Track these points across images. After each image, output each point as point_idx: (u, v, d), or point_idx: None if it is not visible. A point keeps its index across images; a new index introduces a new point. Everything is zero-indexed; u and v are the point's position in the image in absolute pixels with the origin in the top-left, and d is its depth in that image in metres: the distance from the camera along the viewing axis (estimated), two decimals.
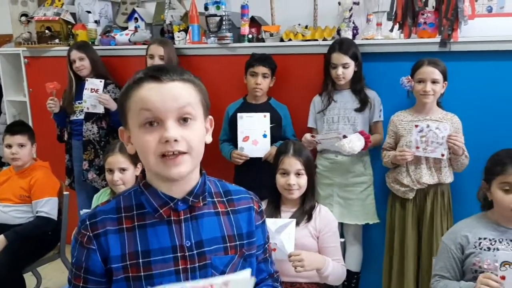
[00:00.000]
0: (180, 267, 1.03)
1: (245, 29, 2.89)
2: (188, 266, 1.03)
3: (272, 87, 2.73)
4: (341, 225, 2.64)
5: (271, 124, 2.60)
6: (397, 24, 2.57)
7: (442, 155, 2.24)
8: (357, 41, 2.59)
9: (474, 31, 2.44)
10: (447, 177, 2.34)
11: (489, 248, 1.61)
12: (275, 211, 1.96)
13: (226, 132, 2.81)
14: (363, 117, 2.55)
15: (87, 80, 3.02)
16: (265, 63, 2.64)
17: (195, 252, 1.04)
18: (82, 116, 3.10)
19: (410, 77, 2.35)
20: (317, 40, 2.73)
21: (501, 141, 2.06)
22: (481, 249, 1.62)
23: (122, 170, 2.17)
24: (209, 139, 1.09)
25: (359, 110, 2.53)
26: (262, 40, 2.91)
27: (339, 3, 2.74)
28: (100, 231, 1.03)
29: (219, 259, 1.06)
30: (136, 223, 1.04)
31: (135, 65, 3.00)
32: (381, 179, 2.57)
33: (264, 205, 1.58)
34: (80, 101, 3.08)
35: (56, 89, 3.09)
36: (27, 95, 3.72)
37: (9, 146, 2.67)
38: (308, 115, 2.69)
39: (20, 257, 2.55)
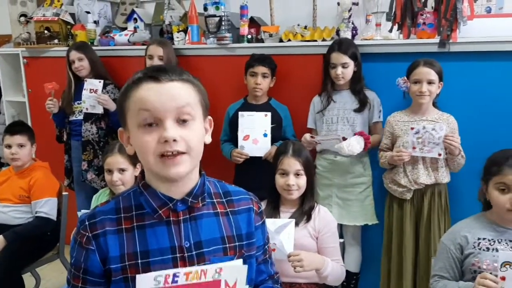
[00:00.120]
0: (179, 267, 1.02)
1: (244, 29, 2.89)
2: (187, 267, 1.03)
3: (272, 87, 2.73)
4: (340, 226, 2.64)
5: (271, 124, 2.60)
6: (396, 24, 2.58)
7: (439, 154, 2.25)
8: (356, 42, 2.59)
9: (473, 32, 2.44)
10: (444, 177, 2.35)
11: (488, 249, 1.61)
12: (274, 212, 1.96)
13: (227, 133, 2.81)
14: (362, 117, 2.55)
15: (86, 80, 3.02)
16: (265, 63, 2.64)
17: (194, 253, 1.04)
18: (81, 117, 3.10)
19: (406, 78, 2.36)
20: (316, 40, 2.73)
21: (500, 141, 2.06)
22: (480, 249, 1.62)
23: (121, 170, 2.17)
24: (208, 139, 1.09)
25: (358, 110, 2.53)
26: (261, 41, 2.92)
27: (338, 4, 2.75)
28: (99, 231, 1.02)
29: (218, 260, 1.05)
30: (135, 224, 1.04)
31: (134, 66, 3.00)
32: (380, 180, 2.57)
33: (263, 205, 1.58)
34: (79, 102, 3.08)
35: (54, 89, 3.09)
36: (26, 95, 3.72)
37: (9, 146, 2.67)
38: (308, 115, 2.69)
39: (19, 258, 2.54)
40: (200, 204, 1.07)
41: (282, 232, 1.75)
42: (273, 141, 2.61)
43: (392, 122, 2.44)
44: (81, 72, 3.09)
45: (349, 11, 2.71)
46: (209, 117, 1.09)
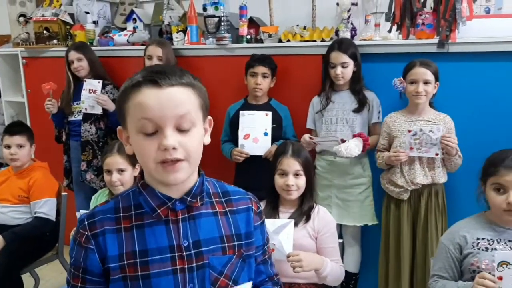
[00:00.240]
0: (178, 267, 1.03)
1: (244, 29, 2.89)
2: (186, 266, 1.03)
3: (271, 87, 2.73)
4: (340, 226, 2.64)
5: (272, 124, 2.60)
6: (395, 25, 2.58)
7: (436, 154, 2.26)
8: (355, 42, 2.59)
9: (472, 32, 2.45)
10: (441, 177, 2.35)
11: (487, 248, 1.61)
12: (273, 212, 1.96)
13: (227, 133, 2.82)
14: (361, 118, 2.55)
15: (85, 81, 3.02)
16: (265, 63, 2.65)
17: (192, 252, 1.04)
18: (80, 117, 3.10)
19: (402, 79, 2.36)
20: (315, 41, 2.73)
21: (499, 142, 2.07)
22: (479, 249, 1.62)
23: (121, 171, 2.16)
24: (207, 140, 1.09)
25: (357, 111, 2.53)
26: (261, 41, 2.92)
27: (338, 4, 2.75)
28: (98, 230, 1.03)
29: (217, 259, 1.06)
30: (134, 223, 1.04)
31: (133, 66, 3.01)
32: (380, 181, 2.57)
33: (262, 205, 1.58)
34: (78, 102, 3.08)
35: (52, 89, 3.09)
36: (25, 95, 3.72)
37: (8, 146, 2.67)
38: (307, 116, 2.69)
39: (18, 258, 2.54)
40: (199, 204, 1.07)
41: (281, 232, 1.75)
42: (273, 141, 2.61)
43: (389, 122, 2.45)
44: (80, 73, 3.09)
45: (348, 11, 2.71)
46: (209, 117, 1.09)
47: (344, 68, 2.49)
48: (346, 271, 2.01)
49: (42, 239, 2.67)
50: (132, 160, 2.15)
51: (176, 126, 0.97)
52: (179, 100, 0.97)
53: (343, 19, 2.70)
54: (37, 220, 2.62)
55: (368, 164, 2.62)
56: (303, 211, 1.94)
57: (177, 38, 3.10)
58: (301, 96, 2.76)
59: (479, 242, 1.64)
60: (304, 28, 2.84)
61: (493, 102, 2.42)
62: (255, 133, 2.61)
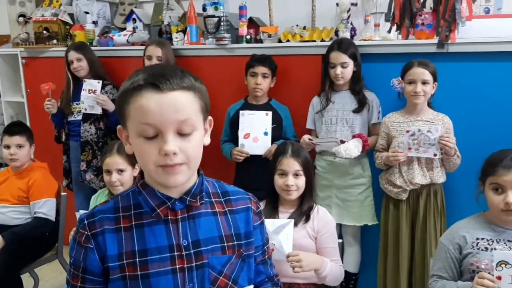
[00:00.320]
0: (177, 266, 1.03)
1: (243, 30, 2.89)
2: (185, 265, 1.03)
3: (271, 88, 2.73)
4: (340, 226, 2.64)
5: (272, 124, 2.60)
6: (395, 25, 2.58)
7: (435, 154, 2.26)
8: (355, 42, 2.59)
9: (472, 32, 2.45)
10: (439, 177, 2.36)
11: (486, 248, 1.62)
12: (273, 212, 1.96)
13: (227, 133, 2.82)
14: (361, 118, 2.55)
15: (84, 81, 3.02)
16: (265, 63, 2.65)
17: (192, 251, 1.04)
18: (79, 117, 3.10)
19: (400, 79, 2.36)
20: (315, 41, 2.73)
21: (498, 142, 2.07)
22: (478, 249, 1.62)
23: (120, 171, 2.16)
24: (207, 140, 1.08)
25: (357, 111, 2.53)
26: (260, 41, 2.92)
27: (337, 4, 2.75)
28: (98, 230, 1.03)
29: (216, 258, 1.06)
30: (133, 223, 1.04)
31: (133, 66, 3.00)
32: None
33: (262, 205, 1.58)
34: (77, 102, 3.08)
35: (51, 90, 3.09)
36: (25, 95, 3.72)
37: (8, 146, 2.67)
38: (307, 116, 2.69)
39: (17, 258, 2.54)
40: (198, 203, 1.07)
41: (281, 233, 1.75)
42: (273, 142, 2.61)
43: (387, 123, 2.45)
44: (79, 73, 3.09)
45: (348, 11, 2.71)
46: (210, 117, 1.09)
47: (344, 68, 2.49)
48: (345, 271, 2.01)
49: (41, 239, 2.67)
50: (132, 160, 2.15)
51: (177, 130, 0.97)
52: (180, 105, 0.97)
53: (342, 19, 2.70)
54: (37, 220, 2.62)
55: (368, 165, 2.62)
56: (302, 211, 1.93)
57: (176, 38, 3.10)
58: (301, 96, 2.76)
59: (478, 242, 1.64)
60: (304, 28, 2.84)
61: (493, 102, 2.42)
62: (255, 132, 2.61)
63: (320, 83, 2.69)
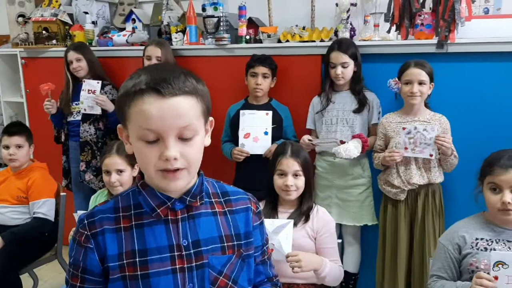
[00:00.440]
0: (177, 266, 1.03)
1: (243, 30, 2.89)
2: (185, 265, 1.03)
3: (271, 88, 2.73)
4: (340, 226, 2.64)
5: (272, 125, 2.60)
6: (394, 25, 2.58)
7: (431, 155, 2.26)
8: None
9: (471, 33, 2.45)
10: (437, 177, 2.36)
11: (486, 249, 1.62)
12: (272, 212, 1.96)
13: (228, 134, 2.82)
14: (361, 119, 2.55)
15: (84, 81, 3.02)
16: (265, 63, 2.65)
17: (192, 251, 1.04)
18: (79, 117, 3.10)
19: (397, 79, 2.37)
20: (314, 41, 2.73)
21: (498, 142, 2.06)
22: (478, 249, 1.63)
23: (119, 171, 2.16)
24: (208, 141, 1.08)
25: (357, 111, 2.54)
26: (260, 41, 2.92)
27: (337, 4, 2.75)
28: (98, 230, 1.03)
29: (216, 258, 1.06)
30: (133, 223, 1.04)
31: (132, 66, 3.00)
32: None
33: (261, 205, 1.58)
34: (77, 102, 3.08)
35: (51, 90, 3.09)
36: (24, 96, 3.72)
37: (7, 147, 2.66)
38: (307, 116, 2.70)
39: (16, 258, 2.54)
40: (198, 203, 1.07)
41: (281, 233, 1.75)
42: (273, 142, 2.61)
43: (385, 123, 2.45)
44: (79, 73, 3.09)
45: (347, 11, 2.71)
46: (211, 118, 1.08)
47: (344, 68, 2.49)
48: (345, 271, 2.01)
49: (40, 240, 2.67)
50: (131, 160, 2.15)
51: (178, 135, 0.97)
52: (182, 111, 0.96)
53: (342, 19, 2.70)
54: (36, 220, 2.62)
55: (368, 165, 2.62)
56: (302, 211, 1.93)
57: (176, 38, 3.10)
58: (300, 96, 2.76)
59: (478, 242, 1.64)
60: (303, 28, 2.84)
61: (493, 103, 2.42)
62: (256, 132, 2.61)
63: (320, 84, 2.70)
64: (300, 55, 2.77)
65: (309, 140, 2.52)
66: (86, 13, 3.48)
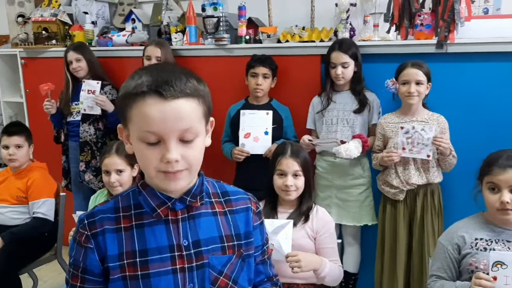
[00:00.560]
0: (178, 266, 1.03)
1: (243, 30, 2.89)
2: (186, 265, 1.03)
3: (271, 88, 2.73)
4: (340, 226, 2.64)
5: (272, 125, 2.60)
6: (394, 25, 2.58)
7: (428, 156, 2.27)
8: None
9: (471, 33, 2.45)
10: (436, 177, 2.36)
11: (485, 249, 1.62)
12: (272, 212, 1.96)
13: (228, 134, 2.82)
14: (362, 119, 2.56)
15: (84, 81, 3.02)
16: (265, 63, 2.65)
17: (192, 251, 1.04)
18: (79, 118, 3.10)
19: (394, 80, 2.37)
20: (314, 41, 2.73)
21: (497, 142, 2.07)
22: (477, 249, 1.63)
23: (119, 172, 2.16)
24: (208, 141, 1.08)
25: (357, 111, 2.54)
26: (259, 41, 2.92)
27: (336, 5, 2.75)
28: (98, 230, 1.03)
29: (217, 258, 1.06)
30: (134, 223, 1.04)
31: (132, 66, 2.99)
32: None
33: (261, 205, 1.58)
34: (76, 102, 3.08)
35: (50, 90, 3.08)
36: (24, 96, 3.72)
37: (6, 147, 2.66)
38: (307, 116, 2.70)
39: (16, 258, 2.54)
40: (199, 203, 1.07)
41: (280, 233, 1.75)
42: (273, 142, 2.61)
43: (383, 124, 2.46)
44: (78, 73, 3.09)
45: (347, 12, 2.71)
46: (211, 118, 1.09)
47: (344, 68, 2.49)
48: (345, 271, 2.02)
49: (40, 240, 2.67)
50: (131, 160, 2.15)
51: (180, 137, 0.97)
52: (183, 114, 0.96)
53: (342, 19, 2.71)
54: (36, 220, 2.62)
55: (368, 165, 2.62)
56: (301, 211, 1.94)
57: (175, 38, 3.10)
58: (300, 96, 2.76)
59: (477, 242, 1.64)
60: (303, 28, 2.84)
61: (492, 103, 2.42)
62: (256, 132, 2.61)
63: (320, 84, 2.70)
64: (299, 55, 2.77)
65: (309, 140, 2.52)
66: (86, 13, 3.48)
